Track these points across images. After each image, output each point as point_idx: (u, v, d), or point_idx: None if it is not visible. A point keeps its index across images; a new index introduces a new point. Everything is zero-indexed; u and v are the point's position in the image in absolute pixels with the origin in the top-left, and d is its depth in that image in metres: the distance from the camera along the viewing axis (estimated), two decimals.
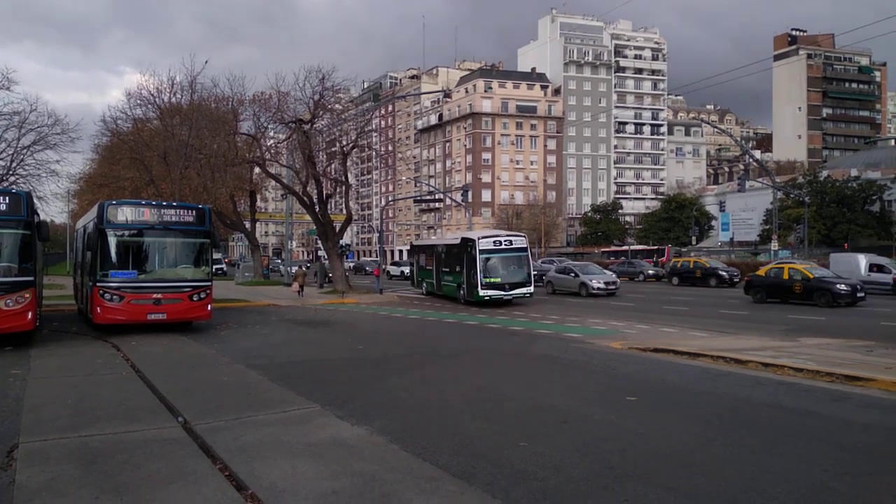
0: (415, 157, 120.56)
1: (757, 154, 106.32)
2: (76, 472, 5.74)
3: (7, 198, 13.51)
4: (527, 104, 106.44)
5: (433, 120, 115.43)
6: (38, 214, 14.90)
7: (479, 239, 26.08)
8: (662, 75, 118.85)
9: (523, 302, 26.72)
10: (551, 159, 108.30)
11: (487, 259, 25.59)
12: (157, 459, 6.05)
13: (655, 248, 62.54)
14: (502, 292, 25.59)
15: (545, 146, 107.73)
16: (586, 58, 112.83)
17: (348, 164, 36.54)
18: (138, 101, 34.97)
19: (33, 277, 13.63)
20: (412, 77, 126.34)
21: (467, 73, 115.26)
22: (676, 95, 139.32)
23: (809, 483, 5.60)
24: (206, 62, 59.96)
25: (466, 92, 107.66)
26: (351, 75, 52.32)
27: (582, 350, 13.85)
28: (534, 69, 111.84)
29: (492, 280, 25.46)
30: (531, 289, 26.26)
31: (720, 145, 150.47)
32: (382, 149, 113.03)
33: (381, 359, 12.88)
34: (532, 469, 5.86)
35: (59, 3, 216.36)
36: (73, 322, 18.28)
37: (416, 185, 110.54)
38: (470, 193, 62.69)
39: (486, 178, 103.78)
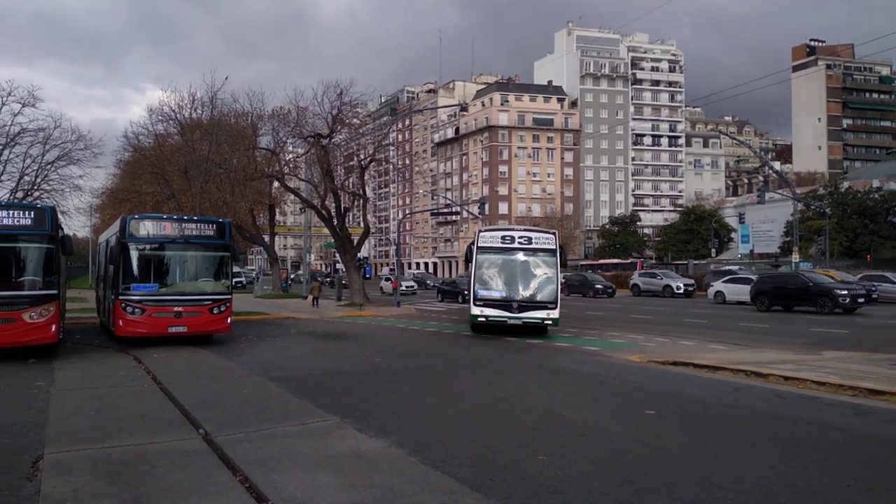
0: (431, 171, 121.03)
1: (776, 165, 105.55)
2: (99, 483, 5.81)
3: (32, 213, 13.79)
4: (543, 117, 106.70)
5: (450, 133, 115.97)
6: (61, 229, 15.17)
7: (480, 233, 19.42)
8: (679, 87, 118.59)
9: None
10: (568, 171, 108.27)
11: (487, 261, 18.76)
12: (178, 471, 6.12)
13: (629, 261, 69.59)
14: (506, 313, 18.12)
15: (562, 158, 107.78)
16: (603, 70, 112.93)
17: (366, 177, 36.82)
18: (160, 117, 35.52)
19: (57, 291, 13.86)
20: (429, 91, 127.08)
21: (484, 86, 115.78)
22: (694, 107, 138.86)
23: (832, 498, 5.54)
24: (227, 78, 61.06)
25: (483, 105, 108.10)
26: (368, 90, 53.19)
27: (600, 363, 13.79)
28: (550, 82, 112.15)
29: (491, 294, 18.46)
30: (555, 313, 18.22)
31: (739, 157, 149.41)
32: (399, 162, 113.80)
33: (399, 371, 12.91)
34: (551, 482, 5.85)
35: (82, 23, 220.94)
36: (96, 335, 18.52)
37: (432, 199, 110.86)
38: (487, 206, 62.75)
39: (502, 190, 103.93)
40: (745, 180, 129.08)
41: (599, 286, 44.75)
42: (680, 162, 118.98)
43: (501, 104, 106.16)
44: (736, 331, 21.00)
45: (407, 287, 50.25)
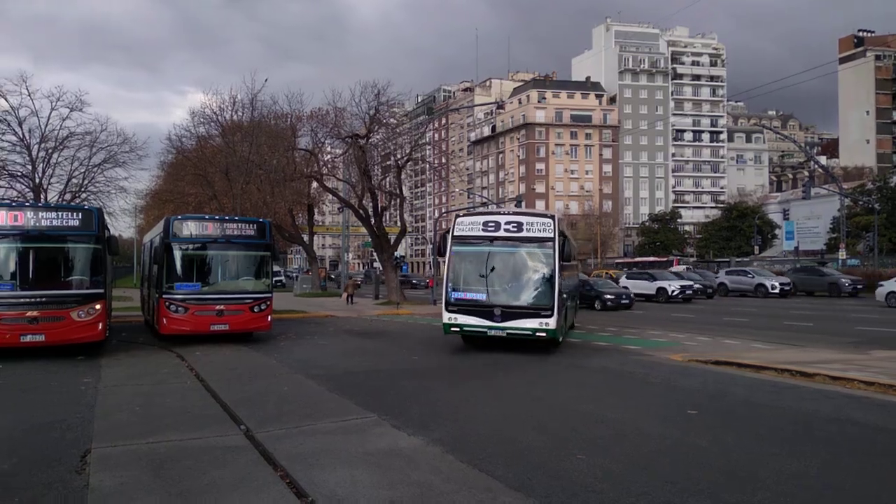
0: (468, 169, 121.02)
1: (822, 160, 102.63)
2: (145, 477, 5.96)
3: (80, 214, 14.21)
4: (581, 113, 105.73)
5: (486, 131, 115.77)
6: (108, 229, 15.58)
7: (457, 219, 15.41)
8: (721, 81, 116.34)
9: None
10: (607, 168, 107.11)
11: (464, 254, 14.89)
12: (221, 466, 6.24)
13: (665, 259, 66.94)
14: (486, 322, 14.11)
15: (600, 155, 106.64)
16: (642, 65, 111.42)
17: (402, 177, 36.96)
18: (201, 120, 36.22)
19: (103, 290, 14.23)
20: (465, 90, 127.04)
21: (520, 83, 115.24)
22: (736, 101, 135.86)
23: (880, 502, 5.37)
24: (266, 80, 61.49)
25: (520, 103, 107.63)
26: (405, 90, 53.41)
27: (641, 362, 13.61)
28: (588, 78, 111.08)
29: (467, 297, 14.48)
30: (551, 321, 13.78)
31: (783, 151, 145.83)
32: (436, 161, 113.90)
33: (436, 369, 12.94)
34: (590, 482, 5.80)
35: (126, 29, 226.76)
36: (141, 332, 18.97)
37: (469, 197, 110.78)
38: (524, 204, 62.53)
39: (539, 188, 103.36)
40: (790, 176, 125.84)
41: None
42: (722, 158, 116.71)
43: (538, 101, 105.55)
44: (779, 329, 20.51)
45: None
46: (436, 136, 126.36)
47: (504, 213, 15.66)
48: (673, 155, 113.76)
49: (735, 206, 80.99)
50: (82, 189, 31.15)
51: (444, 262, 15.20)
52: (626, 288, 33.17)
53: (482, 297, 14.36)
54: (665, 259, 68.76)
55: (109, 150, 31.23)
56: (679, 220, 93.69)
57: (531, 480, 5.80)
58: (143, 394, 10.02)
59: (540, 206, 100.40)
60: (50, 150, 30.02)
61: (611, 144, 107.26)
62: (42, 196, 28.87)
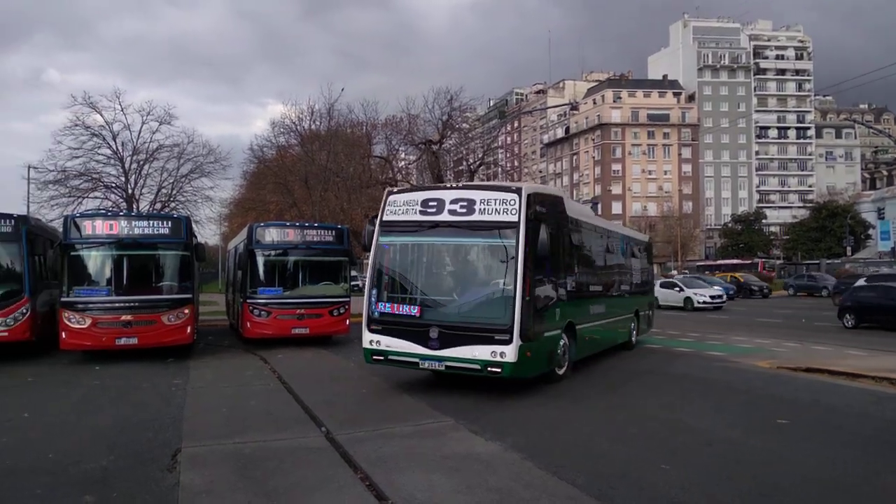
0: (541, 172, 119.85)
1: None
2: (232, 476, 6.15)
3: (170, 222, 14.90)
4: (659, 112, 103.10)
5: (560, 133, 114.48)
6: (195, 237, 16.25)
7: (388, 198, 10.81)
8: (808, 75, 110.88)
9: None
10: (686, 168, 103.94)
11: (394, 248, 10.67)
12: (303, 467, 6.37)
13: (749, 262, 64.09)
14: (418, 349, 9.70)
15: (679, 155, 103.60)
16: (722, 61, 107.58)
17: (475, 181, 37.01)
18: (281, 130, 37.42)
19: (192, 295, 14.84)
20: (538, 92, 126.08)
21: (595, 84, 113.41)
22: (824, 96, 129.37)
23: None
24: (343, 90, 62.97)
25: (594, 103, 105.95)
26: (477, 94, 53.33)
27: (725, 369, 13.12)
28: (665, 76, 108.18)
29: (395, 312, 10.09)
30: (508, 350, 9.15)
31: (877, 147, 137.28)
32: (508, 165, 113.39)
33: None
34: (675, 493, 5.60)
35: (210, 46, 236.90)
36: (226, 336, 19.66)
37: None
38: (599, 206, 61.50)
39: (616, 189, 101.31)
40: (885, 172, 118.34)
41: (755, 287, 43.38)
42: (809, 155, 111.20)
43: (614, 101, 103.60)
44: (876, 335, 19.35)
45: None
46: (508, 139, 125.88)
47: (451, 189, 10.64)
48: (757, 153, 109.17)
49: (825, 206, 77.15)
50: (171, 198, 32.71)
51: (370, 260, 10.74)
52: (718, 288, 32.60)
53: (414, 311, 9.92)
54: (749, 261, 66.16)
55: (196, 161, 32.78)
56: (764, 221, 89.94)
57: (613, 490, 5.66)
58: (229, 395, 10.37)
59: (616, 208, 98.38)
60: (141, 162, 31.71)
61: (690, 143, 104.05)
62: (134, 206, 30.45)
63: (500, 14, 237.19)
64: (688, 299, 31.05)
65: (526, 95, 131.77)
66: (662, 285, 32.42)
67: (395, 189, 11.07)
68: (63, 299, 13.57)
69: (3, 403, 9.79)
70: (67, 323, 13.38)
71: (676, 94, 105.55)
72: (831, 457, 6.79)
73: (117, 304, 13.74)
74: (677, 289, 32.04)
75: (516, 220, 9.47)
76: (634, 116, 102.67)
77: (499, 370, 9.23)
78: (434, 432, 7.80)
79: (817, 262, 62.42)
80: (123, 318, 13.63)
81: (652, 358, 15.03)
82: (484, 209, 9.76)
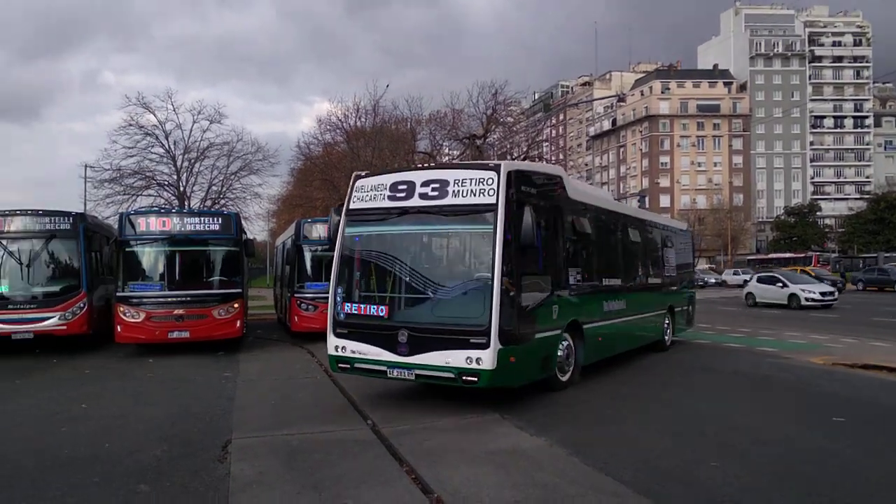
0: (587, 165, 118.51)
1: None
2: (280, 467, 6.26)
3: (220, 219, 15.27)
4: (708, 103, 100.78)
5: (606, 125, 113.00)
6: (244, 233, 16.60)
7: (355, 184, 9.56)
8: (867, 62, 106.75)
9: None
10: (737, 160, 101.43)
11: (362, 240, 9.56)
12: (350, 459, 6.45)
13: (803, 255, 62.33)
14: (386, 354, 8.50)
15: (730, 146, 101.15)
16: (776, 49, 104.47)
17: None
18: (327, 127, 37.84)
19: (241, 290, 15.19)
20: (584, 84, 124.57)
21: (642, 75, 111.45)
22: (884, 83, 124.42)
23: None
24: (388, 86, 62.98)
25: (642, 94, 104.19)
26: (522, 88, 52.99)
27: (777, 365, 12.76)
28: (716, 66, 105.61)
29: (361, 312, 9.09)
30: (485, 355, 7.84)
31: None
32: (553, 158, 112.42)
33: None
34: (726, 491, 5.48)
35: (257, 46, 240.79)
36: (274, 330, 20.03)
37: None
38: (647, 199, 60.54)
39: (664, 182, 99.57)
40: None
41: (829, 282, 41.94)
42: (867, 144, 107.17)
43: (662, 92, 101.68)
44: None
45: None
46: (553, 132, 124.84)
47: (423, 169, 9.51)
48: (811, 143, 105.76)
49: (883, 197, 74.46)
50: (221, 195, 33.51)
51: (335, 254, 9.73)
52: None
53: (382, 311, 8.88)
54: (803, 255, 64.21)
55: (245, 158, 33.53)
56: (818, 214, 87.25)
57: (661, 488, 5.56)
58: (277, 388, 10.57)
59: (664, 200, 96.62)
60: (192, 161, 32.57)
61: (741, 134, 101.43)
62: (186, 203, 31.27)
63: (545, 6, 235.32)
64: (793, 296, 27.93)
65: (572, 88, 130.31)
66: (760, 280, 30.84)
67: (364, 173, 9.72)
68: (118, 294, 14.05)
69: (63, 395, 10.17)
70: (122, 317, 13.83)
71: (727, 84, 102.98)
72: (892, 458, 6.55)
73: (170, 299, 14.14)
74: (780, 284, 28.92)
75: (494, 201, 8.19)
76: (683, 107, 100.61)
77: (475, 379, 7.94)
78: (479, 427, 7.79)
79: (875, 255, 60.25)
80: (176, 312, 14.01)
81: (702, 353, 14.71)
82: (458, 191, 8.49)
